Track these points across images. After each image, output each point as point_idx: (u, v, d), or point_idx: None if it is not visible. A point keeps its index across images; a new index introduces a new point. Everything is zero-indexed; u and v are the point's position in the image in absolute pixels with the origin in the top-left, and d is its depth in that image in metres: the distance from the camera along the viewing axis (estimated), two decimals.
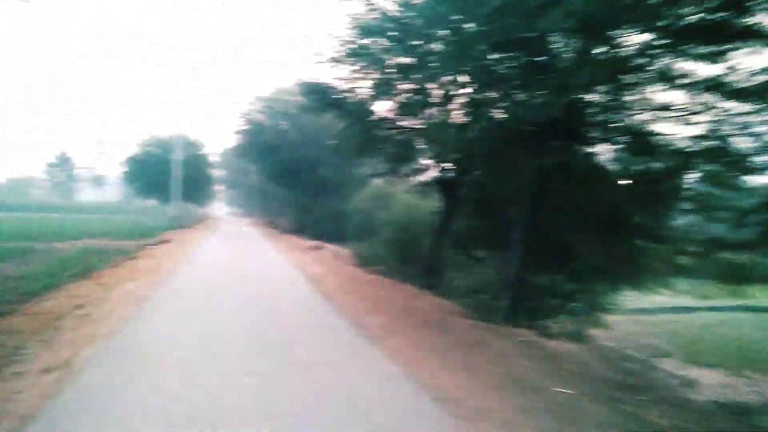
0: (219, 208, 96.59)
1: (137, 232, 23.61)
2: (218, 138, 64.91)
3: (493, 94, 7.80)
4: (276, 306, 7.35)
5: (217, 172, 43.80)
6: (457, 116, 9.22)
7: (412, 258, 15.38)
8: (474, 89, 8.50)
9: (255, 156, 29.28)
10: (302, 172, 26.17)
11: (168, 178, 28.01)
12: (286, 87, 28.36)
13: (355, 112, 10.38)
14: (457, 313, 7.65)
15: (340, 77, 10.57)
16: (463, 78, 8.45)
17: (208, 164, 37.08)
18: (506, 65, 7.11)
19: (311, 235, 24.69)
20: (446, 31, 7.49)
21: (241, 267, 12.01)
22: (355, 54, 9.45)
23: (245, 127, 28.07)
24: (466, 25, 6.94)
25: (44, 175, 73.08)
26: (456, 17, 7.09)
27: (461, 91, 8.97)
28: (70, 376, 3.62)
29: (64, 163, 71.55)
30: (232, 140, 30.69)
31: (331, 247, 18.31)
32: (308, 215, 27.85)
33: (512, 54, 6.84)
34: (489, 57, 6.88)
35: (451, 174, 10.63)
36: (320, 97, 10.52)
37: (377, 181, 35.98)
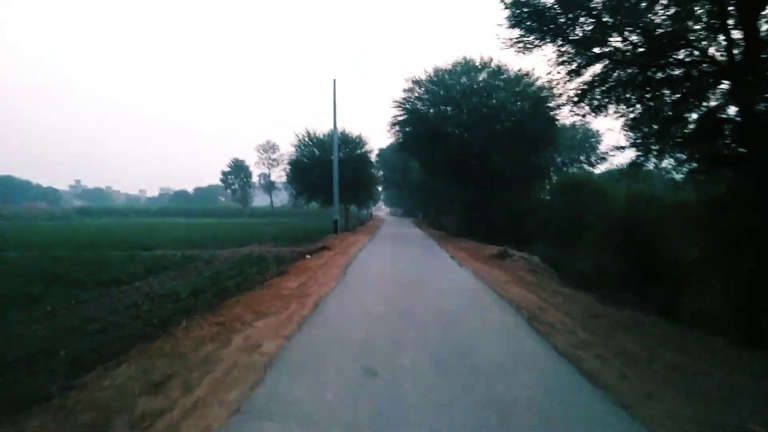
0: (378, 208, 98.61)
1: (301, 235, 22.87)
2: (375, 135, 64.57)
3: None
4: (501, 381, 3.80)
5: (375, 171, 41.74)
6: None
7: (658, 272, 10.22)
8: None
9: (414, 148, 25.70)
10: (470, 162, 22.22)
11: (328, 181, 25.11)
12: (446, 66, 24.63)
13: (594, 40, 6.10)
14: None
15: None
16: None
17: (370, 163, 33.20)
18: None
19: (484, 238, 20.50)
20: None
21: (418, 291, 8.06)
22: None
23: (401, 117, 24.55)
24: None
25: (221, 183, 78.43)
26: None
27: None
28: None
29: (238, 170, 77.30)
30: (387, 135, 27.71)
31: (517, 255, 13.95)
32: (479, 213, 23.79)
33: None
34: None
35: None
36: (539, 20, 6.48)
37: (571, 170, 30.03)
